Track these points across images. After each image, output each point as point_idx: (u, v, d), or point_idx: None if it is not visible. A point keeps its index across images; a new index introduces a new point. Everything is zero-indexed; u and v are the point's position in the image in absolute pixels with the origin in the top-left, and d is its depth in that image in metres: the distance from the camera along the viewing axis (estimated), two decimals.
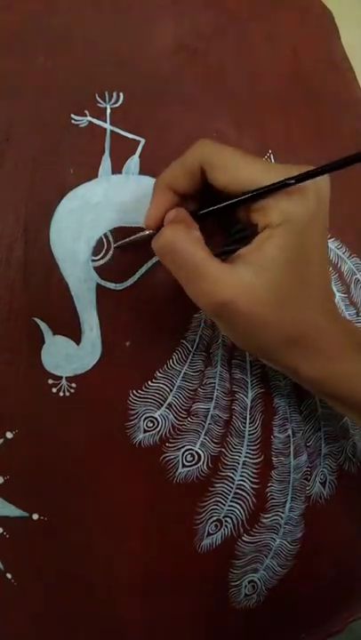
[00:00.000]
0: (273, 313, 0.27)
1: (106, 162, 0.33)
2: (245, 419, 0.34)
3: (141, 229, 0.30)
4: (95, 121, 0.33)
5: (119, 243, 0.32)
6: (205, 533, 0.33)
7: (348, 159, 0.26)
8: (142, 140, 0.34)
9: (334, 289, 0.37)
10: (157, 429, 0.33)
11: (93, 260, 0.32)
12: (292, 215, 0.27)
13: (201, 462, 0.33)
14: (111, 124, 0.33)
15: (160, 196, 0.29)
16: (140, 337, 0.32)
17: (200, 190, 0.29)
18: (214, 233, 0.31)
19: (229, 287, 0.26)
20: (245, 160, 0.27)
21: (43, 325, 0.32)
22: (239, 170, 0.27)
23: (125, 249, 0.32)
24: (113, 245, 0.32)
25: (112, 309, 0.32)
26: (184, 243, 0.27)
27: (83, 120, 0.33)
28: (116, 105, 0.34)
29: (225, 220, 0.31)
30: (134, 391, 0.32)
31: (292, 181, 0.26)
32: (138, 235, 0.31)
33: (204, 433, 0.33)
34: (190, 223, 0.28)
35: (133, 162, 0.33)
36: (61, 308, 0.32)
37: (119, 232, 0.33)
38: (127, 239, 0.31)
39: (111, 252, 0.33)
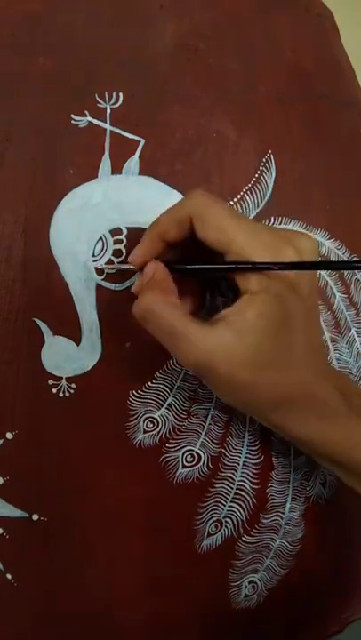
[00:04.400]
0: (252, 375, 0.27)
1: (106, 162, 0.33)
2: (245, 419, 0.34)
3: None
4: (95, 121, 0.33)
5: (105, 267, 0.32)
6: (206, 534, 0.33)
7: (340, 263, 0.27)
8: (142, 140, 0.34)
9: (334, 289, 0.37)
10: (157, 430, 0.33)
11: (93, 261, 0.32)
12: (270, 287, 0.27)
13: (201, 463, 0.33)
14: (111, 124, 0.33)
15: (149, 242, 0.29)
16: (139, 338, 0.32)
17: (187, 239, 0.29)
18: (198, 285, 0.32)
19: (207, 347, 0.27)
20: (234, 222, 0.28)
21: (43, 326, 0.32)
22: (227, 232, 0.27)
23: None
24: (98, 266, 0.32)
25: (112, 310, 0.32)
26: (162, 309, 0.27)
27: (83, 120, 0.33)
28: (116, 105, 0.34)
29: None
30: (134, 392, 0.32)
31: (276, 268, 0.27)
32: (123, 266, 0.32)
33: (204, 433, 0.33)
34: (167, 287, 0.29)
35: (133, 162, 0.33)
36: (61, 308, 0.32)
37: (117, 233, 0.33)
38: (113, 267, 0.32)
39: (111, 253, 0.33)
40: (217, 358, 0.27)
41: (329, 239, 0.37)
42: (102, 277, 0.32)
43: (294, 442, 0.30)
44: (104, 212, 0.33)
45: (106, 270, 0.32)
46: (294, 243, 0.28)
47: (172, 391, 0.33)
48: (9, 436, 0.31)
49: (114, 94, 0.34)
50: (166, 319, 0.27)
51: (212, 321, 0.28)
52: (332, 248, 0.37)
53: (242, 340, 0.27)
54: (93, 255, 0.32)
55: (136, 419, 0.32)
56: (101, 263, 0.32)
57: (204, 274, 0.32)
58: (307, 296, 0.28)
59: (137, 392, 0.32)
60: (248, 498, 0.34)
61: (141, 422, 0.32)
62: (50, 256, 0.32)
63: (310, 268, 0.28)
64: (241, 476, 0.34)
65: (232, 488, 0.34)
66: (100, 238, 0.33)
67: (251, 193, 0.35)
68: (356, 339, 0.37)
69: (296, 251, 0.28)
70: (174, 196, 0.33)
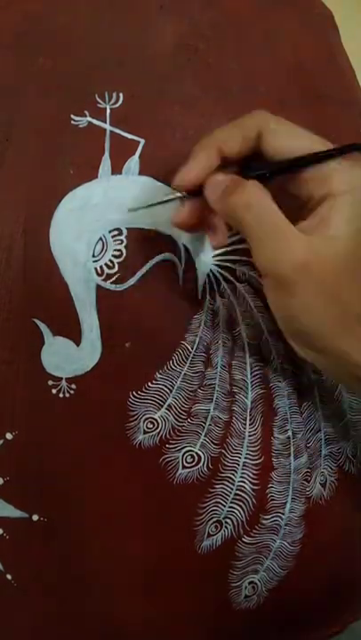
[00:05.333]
0: (341, 288, 0.26)
1: (106, 162, 0.33)
2: (245, 420, 0.34)
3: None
4: (95, 121, 0.33)
5: (137, 207, 0.31)
6: (206, 534, 0.33)
7: None
8: (142, 141, 0.34)
9: None
10: (157, 430, 0.33)
11: (93, 261, 0.32)
12: (357, 185, 0.26)
13: (201, 463, 0.33)
14: (111, 124, 0.33)
15: (205, 156, 0.28)
16: (140, 338, 0.32)
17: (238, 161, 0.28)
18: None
19: (307, 250, 0.26)
20: (303, 130, 0.27)
21: (42, 326, 0.32)
22: (300, 137, 0.27)
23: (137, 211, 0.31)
24: (128, 208, 0.31)
25: (112, 310, 0.32)
26: (267, 201, 0.26)
27: (82, 120, 0.33)
28: (116, 105, 0.34)
29: None
30: (134, 392, 0.32)
31: None
32: (167, 198, 0.30)
33: (204, 434, 0.33)
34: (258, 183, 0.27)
35: (133, 162, 0.33)
36: (61, 308, 0.32)
37: (117, 233, 0.33)
38: (148, 205, 0.30)
39: (111, 253, 0.33)
40: (313, 262, 0.26)
41: None
42: (102, 278, 0.32)
43: (351, 369, 0.28)
44: (104, 212, 0.33)
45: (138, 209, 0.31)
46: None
47: (171, 392, 0.33)
48: (9, 436, 0.31)
49: (114, 94, 0.34)
50: (271, 214, 0.26)
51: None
52: None
53: (332, 247, 0.26)
54: (93, 255, 0.32)
55: (136, 419, 0.32)
56: (101, 263, 0.32)
57: (281, 173, 0.29)
58: None
59: (137, 393, 0.32)
60: (248, 498, 0.34)
61: (141, 423, 0.32)
62: (50, 256, 0.32)
63: None
64: (241, 477, 0.34)
65: (232, 489, 0.34)
66: (100, 238, 0.33)
67: None
68: None
69: None
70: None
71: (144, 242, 0.32)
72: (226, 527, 0.34)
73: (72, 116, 0.33)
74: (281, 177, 0.28)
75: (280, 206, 0.27)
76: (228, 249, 0.34)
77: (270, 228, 0.26)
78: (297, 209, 0.28)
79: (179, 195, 0.29)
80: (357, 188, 0.26)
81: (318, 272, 0.26)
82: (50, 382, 0.32)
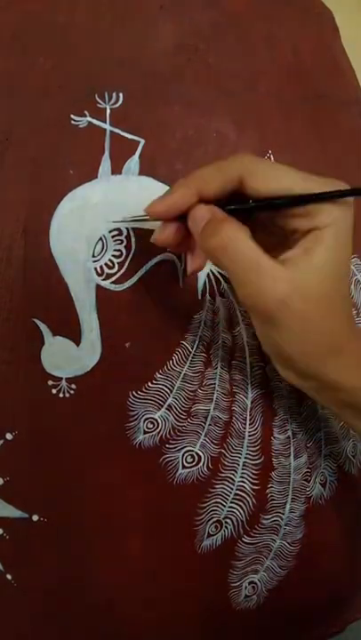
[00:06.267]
0: (323, 318, 0.27)
1: (106, 162, 0.33)
2: (245, 420, 0.34)
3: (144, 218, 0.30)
4: (95, 121, 0.33)
5: (118, 221, 0.31)
6: (206, 534, 0.33)
7: None
8: (142, 141, 0.34)
9: None
10: (157, 430, 0.33)
11: (93, 261, 0.32)
12: (339, 219, 0.27)
13: (201, 463, 0.33)
14: (111, 124, 0.33)
15: (180, 194, 0.28)
16: (139, 338, 0.32)
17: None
18: None
19: (287, 284, 0.26)
20: (284, 170, 0.27)
21: (42, 327, 0.31)
22: (280, 178, 0.27)
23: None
24: (112, 221, 0.31)
25: (112, 310, 0.32)
26: (243, 240, 0.26)
27: (82, 120, 0.33)
28: (116, 105, 0.34)
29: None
30: (134, 392, 0.32)
31: (349, 194, 0.27)
32: (138, 218, 0.30)
33: (204, 434, 0.33)
34: (237, 224, 0.27)
35: (133, 162, 0.33)
36: (61, 308, 0.32)
37: (117, 233, 0.33)
38: (130, 219, 0.31)
39: (111, 253, 0.33)
40: (294, 296, 0.26)
41: None
42: (102, 277, 0.32)
43: (339, 394, 0.29)
44: (104, 212, 0.33)
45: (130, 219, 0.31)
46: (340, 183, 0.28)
47: (171, 392, 0.33)
48: (9, 436, 0.31)
49: (114, 94, 0.34)
50: (247, 252, 0.26)
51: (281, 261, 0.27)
52: None
53: (314, 278, 0.26)
54: (93, 255, 0.32)
55: (136, 419, 0.32)
56: (101, 263, 0.32)
57: (260, 211, 0.29)
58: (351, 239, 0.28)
59: (137, 393, 0.32)
60: (248, 498, 0.34)
61: (141, 423, 0.32)
62: (50, 256, 0.32)
63: None
64: (241, 477, 0.34)
65: (232, 489, 0.34)
66: (100, 238, 0.33)
67: None
68: None
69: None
70: None
71: (144, 242, 0.32)
72: (226, 527, 0.34)
73: (72, 116, 0.33)
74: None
75: (266, 235, 0.28)
76: None
77: (248, 266, 0.26)
78: (283, 237, 0.28)
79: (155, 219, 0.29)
80: (340, 219, 0.27)
81: (300, 304, 0.26)
82: (50, 382, 0.32)
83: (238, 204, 0.28)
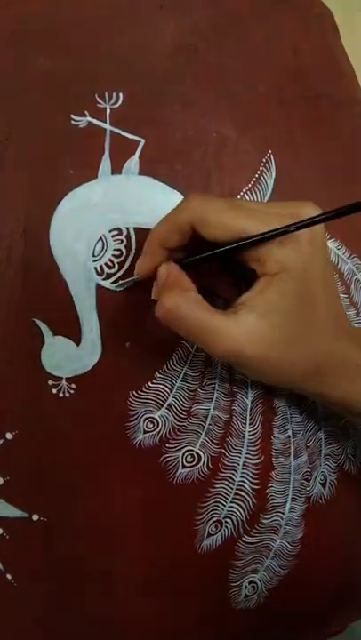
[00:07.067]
0: (283, 352, 0.28)
1: (106, 162, 0.33)
2: (245, 419, 0.34)
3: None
4: (95, 121, 0.33)
5: (117, 285, 0.32)
6: (205, 534, 0.33)
7: (341, 210, 0.26)
8: (142, 141, 0.34)
9: None
10: (157, 430, 0.33)
11: (93, 261, 0.32)
12: (288, 264, 0.27)
13: (201, 463, 0.33)
14: (111, 124, 0.33)
15: (151, 254, 0.30)
16: (139, 338, 0.32)
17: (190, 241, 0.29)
18: (220, 274, 0.32)
19: (235, 337, 0.27)
20: (234, 213, 0.28)
21: (43, 326, 0.32)
22: (232, 226, 0.27)
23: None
24: (111, 287, 0.32)
25: (112, 310, 0.32)
26: (184, 308, 0.28)
27: (82, 120, 0.33)
28: (116, 105, 0.34)
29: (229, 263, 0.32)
30: (134, 392, 0.32)
31: (292, 229, 0.27)
32: (134, 279, 0.32)
33: (204, 434, 0.33)
34: (184, 285, 0.28)
35: (133, 162, 0.33)
36: (61, 308, 0.32)
37: (117, 233, 0.33)
38: (124, 281, 0.32)
39: (111, 253, 0.33)
40: (247, 344, 0.27)
41: (329, 239, 0.37)
42: (102, 277, 0.32)
43: (332, 406, 0.32)
44: (104, 212, 0.33)
45: (119, 285, 0.32)
46: (299, 212, 0.28)
47: (171, 391, 0.33)
48: (9, 436, 0.31)
49: (114, 94, 0.34)
50: (190, 317, 0.27)
51: (234, 308, 0.28)
52: (332, 248, 0.37)
53: (267, 321, 0.27)
54: (93, 255, 0.32)
55: (136, 419, 0.32)
56: (101, 263, 0.32)
57: (217, 260, 0.31)
58: (323, 265, 0.29)
59: (137, 392, 0.32)
60: (248, 498, 0.34)
61: (141, 422, 0.32)
62: (50, 256, 0.32)
63: (327, 220, 0.27)
64: (241, 477, 0.34)
65: (232, 488, 0.34)
66: (100, 238, 0.33)
67: (251, 193, 0.35)
68: None
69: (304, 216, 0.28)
70: (175, 196, 0.33)
71: (144, 241, 0.32)
72: (226, 527, 0.34)
73: (72, 116, 0.33)
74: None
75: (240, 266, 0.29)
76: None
77: (197, 329, 0.28)
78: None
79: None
80: (287, 268, 0.27)
81: (256, 351, 0.27)
82: (50, 382, 0.32)
83: (191, 255, 0.29)
